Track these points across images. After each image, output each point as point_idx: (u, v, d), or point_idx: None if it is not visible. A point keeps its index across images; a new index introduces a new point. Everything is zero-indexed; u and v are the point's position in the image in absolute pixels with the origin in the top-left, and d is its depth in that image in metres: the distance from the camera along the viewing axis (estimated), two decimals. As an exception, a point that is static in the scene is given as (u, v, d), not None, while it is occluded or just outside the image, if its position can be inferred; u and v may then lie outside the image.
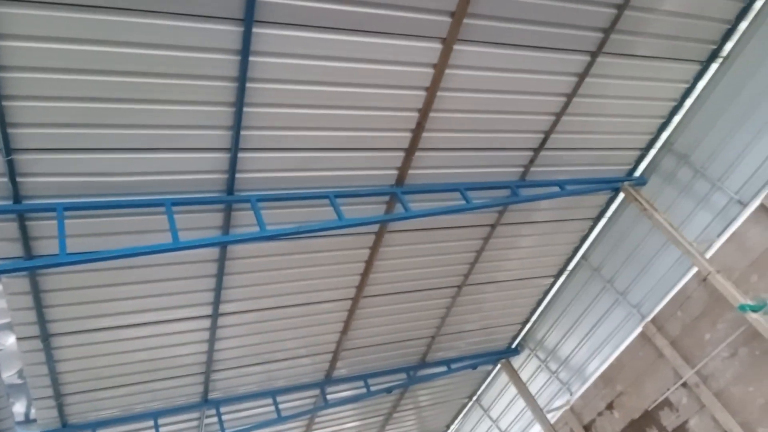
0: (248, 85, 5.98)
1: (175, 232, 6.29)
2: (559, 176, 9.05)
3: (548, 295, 11.85)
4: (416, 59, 6.52)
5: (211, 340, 9.02)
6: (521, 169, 8.69)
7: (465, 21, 6.32)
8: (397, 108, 6.95)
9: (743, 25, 7.95)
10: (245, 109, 6.18)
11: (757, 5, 7.73)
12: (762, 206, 8.05)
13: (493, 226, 9.54)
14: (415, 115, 7.12)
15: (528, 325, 12.55)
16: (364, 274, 9.25)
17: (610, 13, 7.03)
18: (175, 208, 6.63)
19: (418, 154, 7.63)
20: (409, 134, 7.33)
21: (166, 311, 8.18)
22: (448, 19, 6.26)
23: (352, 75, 6.37)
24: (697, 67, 8.31)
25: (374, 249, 8.85)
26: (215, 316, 8.62)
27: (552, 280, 11.48)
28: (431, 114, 7.16)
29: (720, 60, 8.27)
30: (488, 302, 11.34)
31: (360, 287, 9.46)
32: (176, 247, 6.27)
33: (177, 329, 8.53)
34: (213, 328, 8.81)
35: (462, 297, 10.85)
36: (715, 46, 8.13)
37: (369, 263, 9.07)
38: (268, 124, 6.49)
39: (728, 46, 8.15)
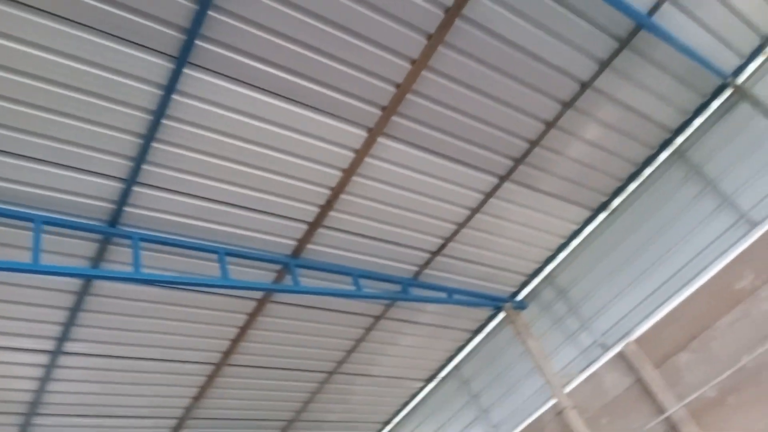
0: (164, 121, 5.76)
1: (36, 252, 5.67)
2: (449, 283, 9.30)
3: (415, 399, 11.79)
4: (340, 141, 6.62)
5: (45, 379, 7.99)
6: (416, 269, 8.85)
7: (394, 118, 6.58)
8: (310, 181, 6.93)
9: (632, 186, 8.89)
10: (153, 144, 5.91)
11: (647, 172, 8.71)
12: (620, 354, 8.62)
13: (377, 318, 9.50)
14: (327, 192, 7.13)
15: (389, 427, 12.30)
16: (235, 341, 8.75)
17: (524, 146, 7.62)
18: (46, 228, 6.03)
19: (320, 230, 7.57)
20: (316, 209, 7.29)
21: (2, 336, 7.20)
22: (378, 112, 6.48)
23: (273, 138, 6.33)
24: (587, 213, 9.10)
25: (252, 317, 8.45)
26: (57, 353, 7.70)
27: (422, 384, 11.48)
28: (342, 195, 7.21)
29: (608, 211, 9.13)
30: (356, 395, 11.06)
31: (227, 354, 8.91)
32: (33, 269, 5.61)
33: (8, 359, 7.49)
34: (50, 366, 7.84)
35: (330, 385, 10.52)
36: (606, 198, 8.98)
37: (243, 330, 8.62)
38: (174, 164, 6.21)
39: (617, 201, 9.04)
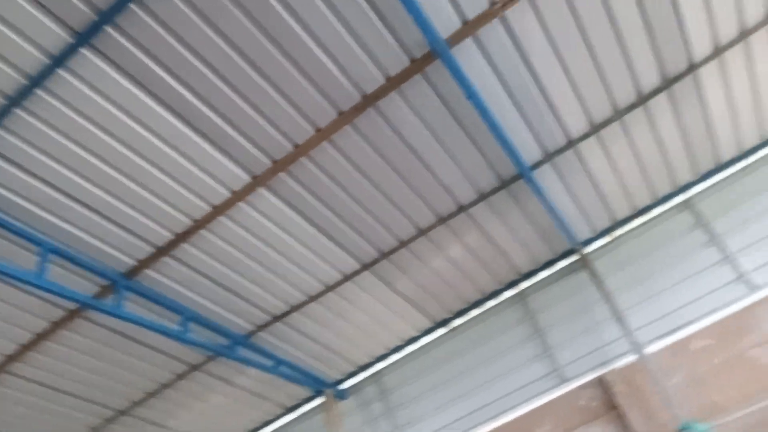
0: (38, 90, 5.23)
1: None
2: (279, 352, 9.00)
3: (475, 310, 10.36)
4: (220, 176, 6.40)
5: None
6: (252, 328, 8.49)
7: (281, 174, 6.54)
8: (174, 206, 6.54)
9: (475, 312, 9.42)
10: (17, 109, 5.33)
11: (490, 303, 9.31)
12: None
13: (193, 368, 8.84)
14: (188, 222, 6.75)
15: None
16: (26, 347, 7.64)
17: (394, 243, 7.87)
18: None
19: (166, 258, 7.08)
20: (170, 236, 6.83)
21: None
22: (268, 163, 6.40)
23: (151, 150, 5.95)
24: (429, 324, 9.43)
25: (56, 327, 7.48)
26: None
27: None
28: (203, 231, 6.87)
29: (447, 328, 9.54)
30: (140, 443, 9.99)
31: (9, 358, 7.73)
32: None
33: None
34: None
35: (114, 425, 9.43)
36: (449, 316, 9.41)
37: (39, 339, 7.57)
38: (30, 137, 5.57)
39: (458, 321, 9.49)
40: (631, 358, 7.77)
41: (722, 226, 8.00)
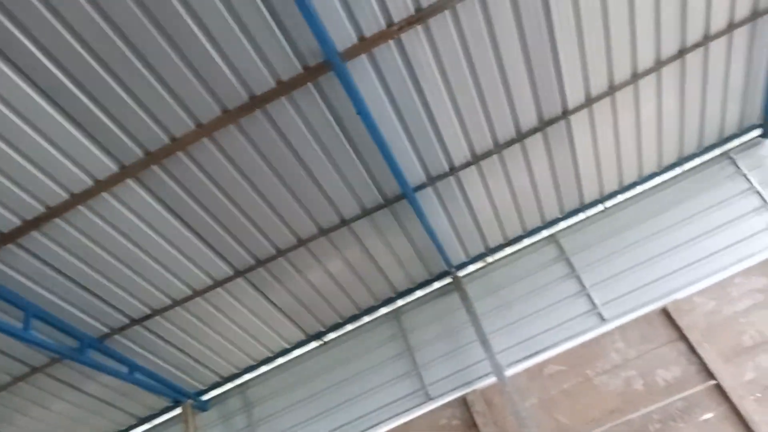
0: None
1: None
2: (137, 358, 8.38)
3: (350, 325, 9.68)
4: (85, 164, 5.86)
5: None
6: (106, 330, 7.82)
7: (154, 167, 6.13)
8: (27, 190, 5.87)
9: (349, 327, 9.41)
10: None
11: (365, 319, 9.35)
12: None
13: (34, 370, 7.95)
14: (41, 209, 6.09)
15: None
16: None
17: (271, 251, 7.67)
18: None
19: (11, 246, 6.33)
20: (18, 221, 6.13)
21: None
22: (141, 155, 5.98)
23: (9, 128, 5.31)
24: (302, 336, 9.27)
25: None
26: None
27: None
28: (57, 219, 6.24)
29: (320, 342, 9.43)
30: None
31: None
32: None
33: None
34: None
35: (-69, 432, 8.26)
36: (323, 329, 9.31)
37: None
38: None
39: (331, 335, 9.42)
40: (492, 380, 8.13)
41: (580, 262, 8.67)
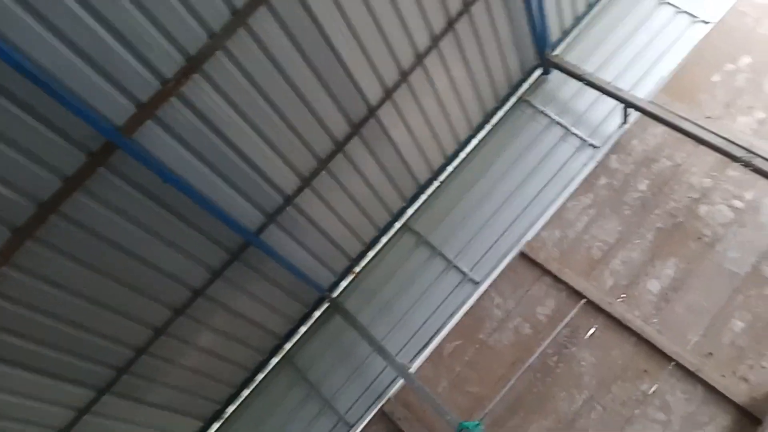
0: None
1: None
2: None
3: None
4: None
5: None
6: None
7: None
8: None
9: (246, 392, 8.85)
10: None
11: (259, 377, 8.86)
12: None
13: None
14: None
15: None
16: None
17: (129, 354, 6.90)
18: None
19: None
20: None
21: None
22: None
23: None
24: (199, 424, 8.53)
25: None
26: None
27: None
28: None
29: (221, 420, 8.76)
30: None
31: None
32: None
33: None
34: None
35: None
36: (219, 407, 8.66)
37: None
38: None
39: (230, 408, 8.79)
40: (401, 382, 8.13)
41: (437, 239, 8.97)
